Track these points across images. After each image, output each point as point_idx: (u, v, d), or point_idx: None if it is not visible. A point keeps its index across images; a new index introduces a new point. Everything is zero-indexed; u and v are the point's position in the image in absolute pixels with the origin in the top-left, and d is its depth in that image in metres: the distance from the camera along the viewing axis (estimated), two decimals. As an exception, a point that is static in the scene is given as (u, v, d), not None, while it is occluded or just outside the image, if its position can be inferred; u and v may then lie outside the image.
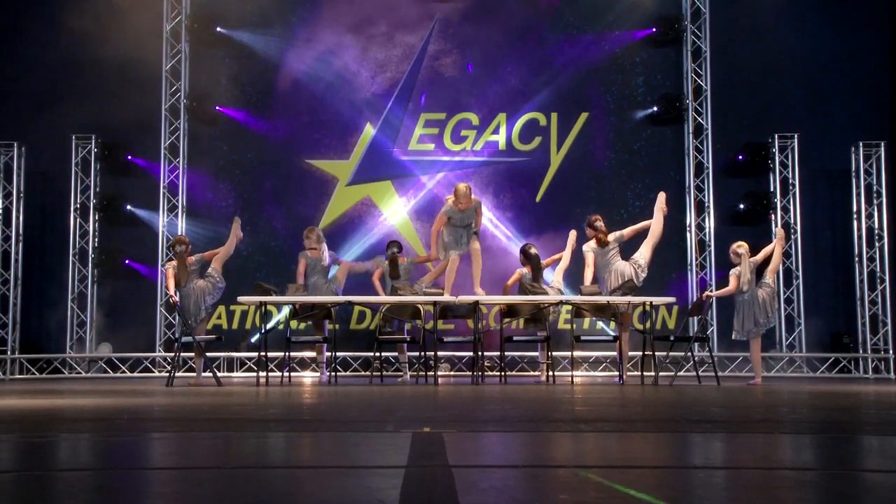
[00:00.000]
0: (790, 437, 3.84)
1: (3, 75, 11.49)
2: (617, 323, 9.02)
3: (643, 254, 8.93)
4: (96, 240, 11.15)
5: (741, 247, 8.78)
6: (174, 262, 8.86)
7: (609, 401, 6.17)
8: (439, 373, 8.93)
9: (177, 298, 8.73)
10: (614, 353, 9.63)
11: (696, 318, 9.74)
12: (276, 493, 2.42)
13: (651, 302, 8.91)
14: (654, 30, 11.53)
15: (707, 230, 11.21)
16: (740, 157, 11.38)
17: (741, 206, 11.34)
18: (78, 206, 11.09)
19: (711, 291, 9.69)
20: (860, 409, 5.65)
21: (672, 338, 9.04)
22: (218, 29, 11.42)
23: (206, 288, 8.80)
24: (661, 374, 8.62)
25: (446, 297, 8.66)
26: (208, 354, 9.02)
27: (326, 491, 2.42)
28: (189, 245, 8.98)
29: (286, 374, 8.90)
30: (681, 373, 9.86)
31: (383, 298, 8.98)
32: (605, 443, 3.62)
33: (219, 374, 9.49)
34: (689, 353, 8.93)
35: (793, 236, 11.20)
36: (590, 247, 8.99)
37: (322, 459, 3.14)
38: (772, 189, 11.32)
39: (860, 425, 4.48)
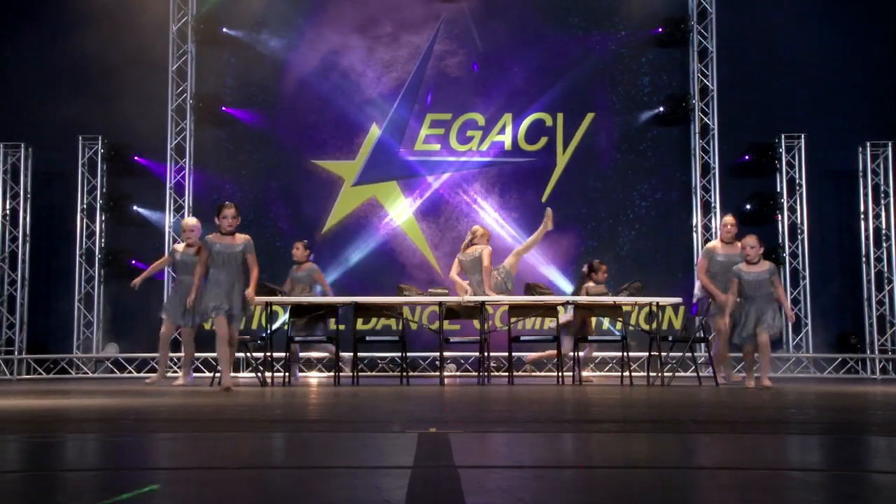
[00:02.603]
0: (797, 438, 3.83)
1: (9, 76, 11.52)
2: (624, 324, 9.02)
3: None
4: (103, 240, 11.16)
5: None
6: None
7: (615, 401, 6.16)
8: (445, 373, 8.90)
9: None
10: (619, 354, 9.61)
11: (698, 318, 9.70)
12: (282, 493, 2.42)
13: (658, 303, 8.88)
14: (660, 30, 11.51)
15: (713, 231, 11.18)
16: (747, 158, 11.36)
17: (748, 206, 11.31)
18: (84, 206, 11.11)
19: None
20: (867, 409, 5.63)
21: (670, 338, 9.01)
22: (224, 30, 11.44)
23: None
24: (659, 374, 8.55)
25: (452, 298, 8.65)
26: (199, 354, 9.01)
27: (333, 491, 2.42)
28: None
29: (288, 374, 8.88)
30: (686, 373, 9.84)
31: (384, 299, 8.93)
32: (610, 443, 3.61)
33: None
34: (687, 354, 8.88)
35: (800, 237, 11.17)
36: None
37: (328, 460, 3.14)
38: (778, 189, 11.29)
39: (867, 426, 4.46)
